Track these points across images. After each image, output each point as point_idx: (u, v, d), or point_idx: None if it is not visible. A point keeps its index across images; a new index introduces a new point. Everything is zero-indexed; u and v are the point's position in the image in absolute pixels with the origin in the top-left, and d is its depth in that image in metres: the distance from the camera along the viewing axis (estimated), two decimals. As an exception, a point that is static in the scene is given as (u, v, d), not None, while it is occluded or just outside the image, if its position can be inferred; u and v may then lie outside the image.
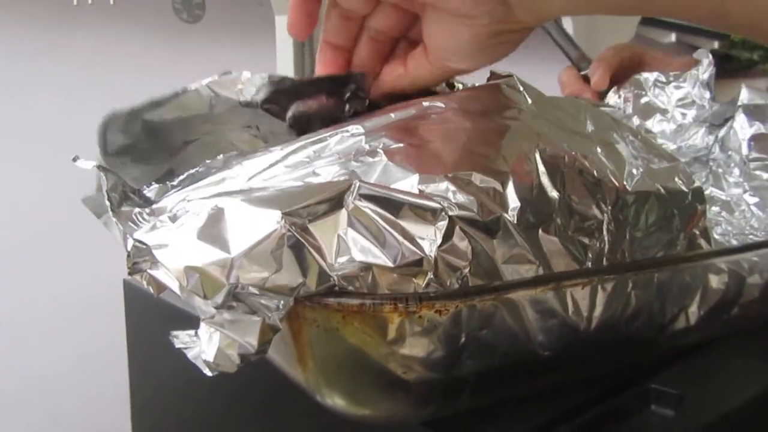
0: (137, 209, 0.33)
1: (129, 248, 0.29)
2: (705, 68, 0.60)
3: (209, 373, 0.28)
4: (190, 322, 0.30)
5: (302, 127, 0.42)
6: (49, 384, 1.18)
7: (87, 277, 1.18)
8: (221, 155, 0.40)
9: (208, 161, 0.40)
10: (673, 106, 0.61)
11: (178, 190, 0.36)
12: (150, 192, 0.37)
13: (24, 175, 1.12)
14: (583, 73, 0.73)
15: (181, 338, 0.31)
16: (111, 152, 0.40)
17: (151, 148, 0.41)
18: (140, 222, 0.32)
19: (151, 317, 0.53)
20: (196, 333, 0.30)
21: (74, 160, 0.37)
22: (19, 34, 1.11)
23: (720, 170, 0.54)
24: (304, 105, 0.43)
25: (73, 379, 1.20)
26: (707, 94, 0.59)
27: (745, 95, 0.54)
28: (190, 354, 0.29)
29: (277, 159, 0.35)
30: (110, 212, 0.32)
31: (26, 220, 1.14)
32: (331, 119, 0.41)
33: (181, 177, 0.38)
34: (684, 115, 0.61)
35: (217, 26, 1.20)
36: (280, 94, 0.42)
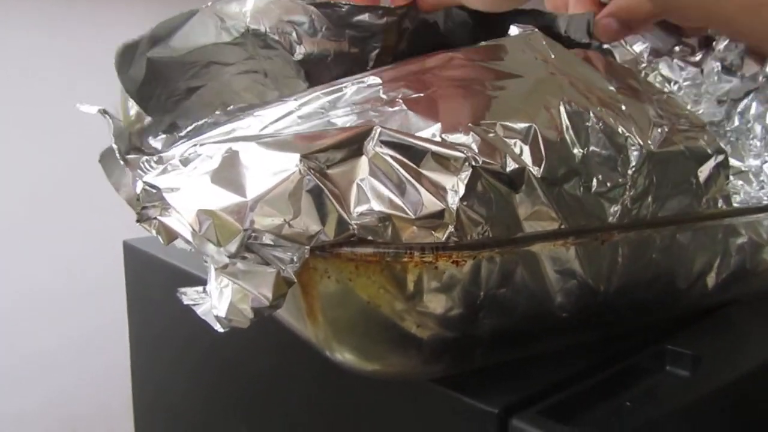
0: (145, 157, 0.32)
1: (138, 191, 0.27)
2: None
3: (221, 329, 0.27)
4: (192, 283, 0.29)
5: (312, 71, 0.41)
6: (49, 358, 1.18)
7: (86, 249, 1.17)
8: (231, 107, 0.39)
9: (217, 112, 0.38)
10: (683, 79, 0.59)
11: (186, 140, 0.34)
12: (157, 142, 0.36)
13: (22, 147, 1.11)
14: None
15: (189, 295, 0.30)
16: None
17: (153, 94, 0.40)
18: (147, 169, 0.31)
19: (152, 279, 0.52)
20: (204, 289, 0.29)
21: (80, 105, 0.35)
22: (19, 9, 1.09)
23: (739, 141, 0.52)
24: (320, 46, 0.41)
25: (73, 353, 1.20)
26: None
27: None
28: (199, 310, 0.28)
29: (290, 110, 0.34)
30: (118, 157, 0.30)
31: (24, 192, 1.13)
32: (349, 70, 0.39)
33: (189, 128, 0.37)
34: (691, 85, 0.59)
35: None
36: (289, 25, 0.40)
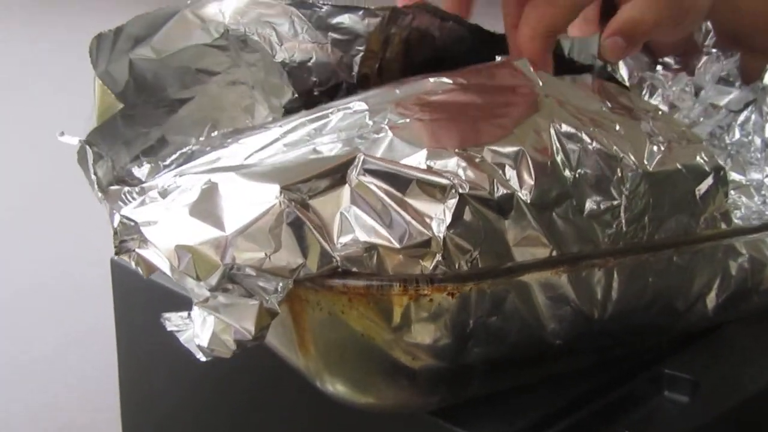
0: (127, 188, 0.31)
1: (115, 225, 0.27)
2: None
3: (203, 359, 0.27)
4: (182, 303, 0.28)
5: (296, 76, 0.40)
6: (37, 365, 1.18)
7: (74, 255, 1.17)
8: (216, 132, 0.38)
9: (202, 139, 0.38)
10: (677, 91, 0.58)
11: (171, 170, 0.34)
12: (140, 172, 0.36)
13: (6, 151, 1.11)
14: None
15: (173, 320, 0.29)
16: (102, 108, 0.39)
17: (139, 103, 0.40)
18: (129, 201, 0.30)
19: (140, 298, 0.52)
20: (188, 315, 0.29)
21: (60, 135, 0.35)
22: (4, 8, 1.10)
23: (740, 154, 0.52)
24: (301, 49, 0.41)
25: (61, 360, 1.20)
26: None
27: None
28: (182, 337, 0.28)
29: (275, 137, 0.33)
30: (96, 190, 0.30)
31: (11, 195, 1.14)
32: (333, 75, 0.39)
33: (174, 156, 0.36)
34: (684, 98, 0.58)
35: None
36: (268, 26, 0.40)
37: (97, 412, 1.17)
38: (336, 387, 0.30)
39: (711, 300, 0.35)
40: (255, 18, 0.40)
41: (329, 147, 0.30)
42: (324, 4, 0.41)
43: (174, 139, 0.40)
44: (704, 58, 0.55)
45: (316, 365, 0.30)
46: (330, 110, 0.34)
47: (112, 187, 0.31)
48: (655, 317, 0.34)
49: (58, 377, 1.17)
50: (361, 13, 0.40)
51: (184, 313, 0.29)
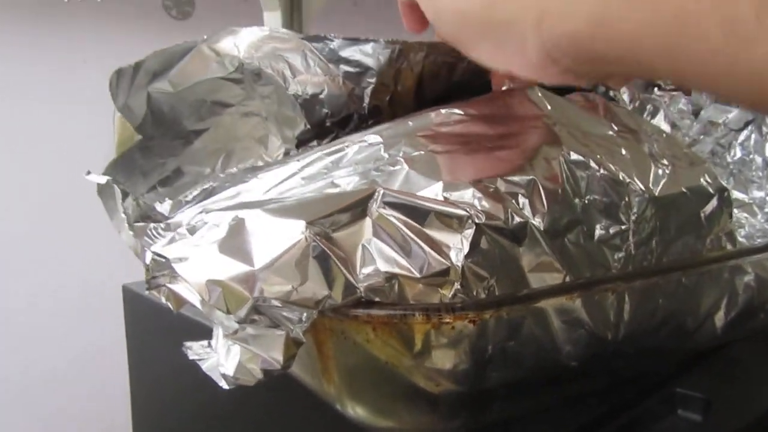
0: (152, 224, 0.32)
1: (147, 262, 0.28)
2: None
3: (225, 386, 0.27)
4: (192, 328, 0.29)
5: (309, 108, 0.41)
6: (47, 385, 1.19)
7: (86, 279, 1.18)
8: (235, 168, 0.39)
9: (221, 175, 0.39)
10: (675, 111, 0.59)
11: (192, 205, 0.35)
12: (163, 207, 0.37)
13: (12, 175, 1.13)
14: None
15: (194, 349, 0.30)
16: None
17: (156, 135, 0.41)
18: (156, 237, 0.31)
19: (152, 324, 0.53)
20: (209, 344, 0.29)
21: (87, 174, 0.36)
22: (2, 30, 1.12)
23: (742, 173, 0.53)
24: (313, 81, 0.41)
25: (71, 380, 1.21)
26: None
27: None
28: (204, 366, 0.29)
29: (294, 171, 0.34)
30: (126, 227, 0.31)
31: (23, 221, 1.15)
32: (344, 106, 0.39)
33: (195, 192, 0.37)
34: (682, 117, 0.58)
35: (206, 22, 1.21)
36: (281, 59, 0.41)
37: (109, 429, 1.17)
38: (358, 411, 0.31)
39: (719, 319, 0.36)
40: (269, 52, 0.41)
41: (346, 180, 0.31)
42: (335, 38, 0.42)
43: (190, 169, 0.41)
44: None
45: (339, 391, 0.30)
46: (345, 143, 0.35)
47: (138, 224, 0.31)
48: (666, 337, 0.34)
49: (70, 394, 1.18)
50: (371, 45, 0.41)
51: (205, 342, 0.30)
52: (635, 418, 0.34)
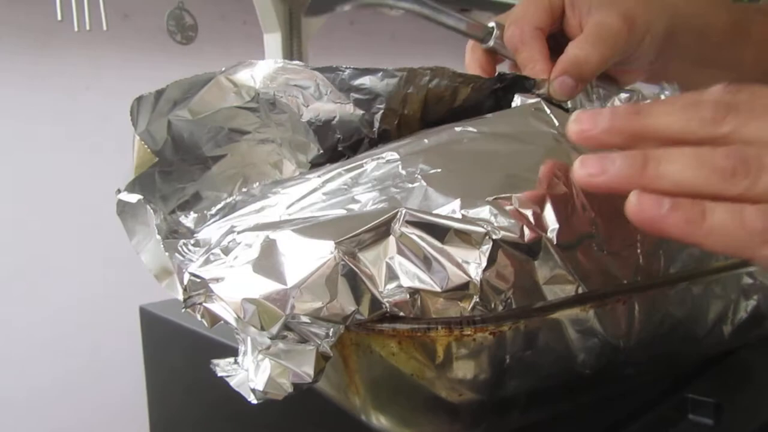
0: (182, 240, 0.34)
1: (185, 282, 0.29)
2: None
3: (254, 401, 0.29)
4: (211, 347, 0.30)
5: (321, 133, 0.43)
6: (63, 402, 1.20)
7: (104, 296, 1.20)
8: (257, 184, 0.41)
9: (244, 190, 0.40)
10: None
11: (217, 220, 0.37)
12: (188, 221, 0.38)
13: (21, 210, 1.15)
14: (489, 46, 0.49)
15: (222, 366, 0.31)
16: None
17: (176, 160, 0.42)
18: (185, 253, 0.33)
19: (170, 344, 0.54)
20: (235, 360, 0.31)
21: (117, 192, 0.38)
22: (10, 58, 1.14)
23: None
24: (326, 109, 0.43)
25: (88, 394, 1.22)
26: None
27: None
28: (233, 382, 0.30)
29: (315, 186, 0.36)
30: (161, 244, 0.33)
31: (36, 244, 1.17)
32: (356, 131, 0.41)
33: (219, 206, 0.39)
34: None
35: (209, 46, 1.24)
36: (296, 89, 0.43)
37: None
38: (382, 422, 0.32)
39: (727, 326, 0.37)
40: (283, 82, 0.43)
41: (367, 196, 0.33)
42: (346, 68, 0.44)
43: (208, 194, 0.43)
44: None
45: (365, 403, 0.32)
46: (364, 160, 0.36)
47: (168, 240, 0.33)
48: (676, 344, 0.36)
49: (87, 408, 1.19)
50: (380, 74, 0.43)
51: (231, 359, 0.31)
52: (648, 424, 0.35)
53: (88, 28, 0.99)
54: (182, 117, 0.43)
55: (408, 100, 0.44)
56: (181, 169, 0.43)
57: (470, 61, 0.50)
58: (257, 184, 0.40)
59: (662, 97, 0.54)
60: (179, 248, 0.33)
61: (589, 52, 0.43)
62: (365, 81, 0.43)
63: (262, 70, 0.44)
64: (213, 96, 0.44)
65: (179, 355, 0.52)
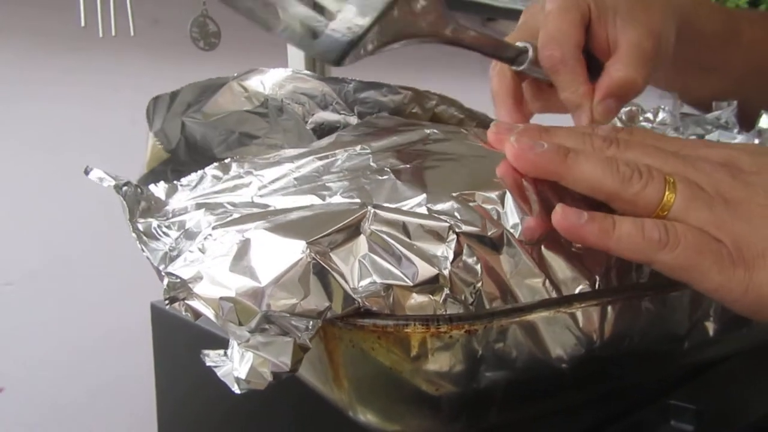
0: (155, 223, 0.35)
1: (165, 283, 0.31)
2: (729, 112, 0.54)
3: (238, 391, 0.30)
4: (217, 342, 0.32)
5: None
6: (77, 405, 1.23)
7: (115, 299, 1.23)
8: (229, 159, 0.42)
9: (215, 163, 0.41)
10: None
11: (190, 190, 0.38)
12: (159, 191, 0.40)
13: (46, 209, 1.18)
14: (521, 69, 0.44)
15: (211, 357, 0.33)
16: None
17: (188, 160, 0.45)
18: (160, 236, 0.35)
19: (179, 339, 0.56)
20: (225, 353, 0.32)
21: (86, 172, 0.39)
22: (37, 63, 1.18)
23: None
24: (330, 118, 0.45)
25: (99, 400, 1.25)
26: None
27: (765, 122, 0.51)
28: (219, 372, 0.31)
29: (287, 171, 0.38)
30: (130, 227, 0.34)
31: (56, 243, 1.20)
32: None
33: (190, 177, 0.41)
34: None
35: (232, 53, 1.26)
36: (303, 96, 0.45)
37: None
38: (367, 416, 0.33)
39: (710, 323, 0.37)
40: (291, 90, 0.46)
41: (337, 185, 0.35)
42: (352, 80, 0.45)
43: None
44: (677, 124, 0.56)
45: (349, 397, 0.33)
46: (336, 150, 0.38)
47: (141, 220, 0.35)
48: (656, 341, 0.36)
49: (100, 414, 1.22)
50: (384, 89, 0.45)
51: (221, 351, 0.33)
52: (629, 427, 0.36)
53: (114, 33, 1.02)
54: (196, 119, 0.45)
55: (412, 117, 0.46)
56: (193, 169, 0.45)
57: (499, 89, 0.45)
58: (229, 159, 0.41)
59: (661, 113, 0.56)
60: (154, 231, 0.35)
61: (634, 76, 0.42)
62: (370, 95, 0.46)
63: (271, 77, 0.46)
64: (225, 100, 0.46)
65: (188, 349, 0.53)
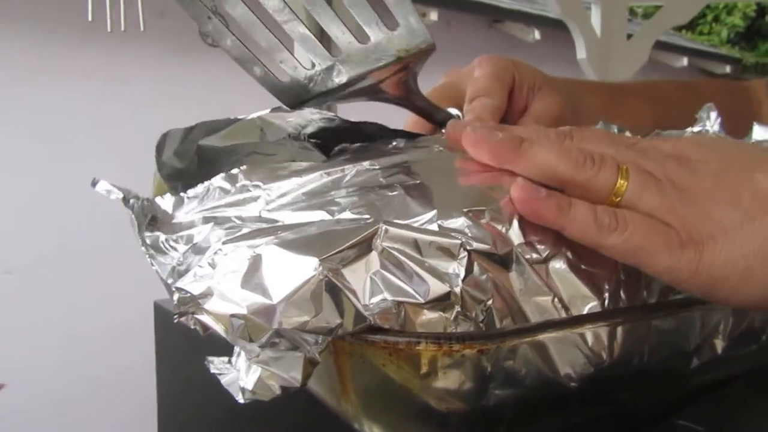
0: (163, 237, 0.35)
1: (175, 299, 0.31)
2: (713, 122, 0.52)
3: (242, 400, 0.30)
4: (220, 344, 0.32)
5: None
6: (77, 399, 1.24)
7: (118, 292, 1.23)
8: (237, 170, 0.41)
9: (222, 174, 0.41)
10: None
11: (197, 202, 0.38)
12: (166, 204, 0.40)
13: (49, 198, 1.19)
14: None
15: (215, 364, 0.33)
16: (165, 174, 0.43)
17: (201, 177, 0.44)
18: (168, 249, 0.35)
19: (181, 339, 0.56)
20: (229, 360, 0.32)
21: (93, 184, 0.39)
22: (48, 59, 1.18)
23: None
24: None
25: (101, 396, 1.26)
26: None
27: (758, 132, 0.48)
28: (224, 380, 0.31)
29: (295, 186, 0.37)
30: (139, 240, 0.34)
31: (56, 240, 1.20)
32: None
33: (197, 189, 0.40)
34: None
35: None
36: (327, 132, 0.45)
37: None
38: (373, 430, 0.34)
39: (719, 341, 0.37)
40: (316, 126, 0.46)
41: (346, 201, 0.35)
42: (373, 124, 0.46)
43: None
44: None
45: (356, 410, 0.33)
46: (345, 165, 0.38)
47: (149, 234, 0.35)
48: (665, 361, 0.36)
49: (100, 411, 1.23)
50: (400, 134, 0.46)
51: (226, 359, 0.33)
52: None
53: (123, 28, 1.02)
54: (211, 144, 0.45)
55: None
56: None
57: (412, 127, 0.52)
58: (236, 170, 0.41)
59: None
60: (162, 245, 0.35)
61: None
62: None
63: (294, 116, 0.46)
64: (242, 133, 0.46)
65: (190, 349, 0.54)
